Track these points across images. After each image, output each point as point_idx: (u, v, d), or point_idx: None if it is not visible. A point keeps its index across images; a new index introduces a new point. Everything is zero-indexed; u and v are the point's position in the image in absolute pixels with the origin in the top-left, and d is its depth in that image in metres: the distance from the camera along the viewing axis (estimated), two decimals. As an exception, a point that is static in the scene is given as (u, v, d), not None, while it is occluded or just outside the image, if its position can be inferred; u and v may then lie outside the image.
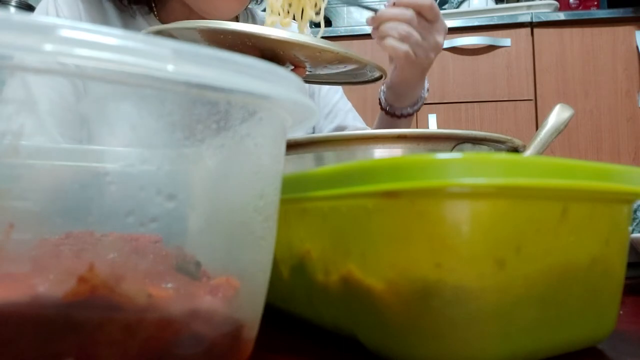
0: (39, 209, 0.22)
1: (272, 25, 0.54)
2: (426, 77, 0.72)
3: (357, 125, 0.85)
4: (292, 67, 0.55)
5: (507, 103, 1.72)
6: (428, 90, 0.74)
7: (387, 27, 0.61)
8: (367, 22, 0.64)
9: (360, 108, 0.89)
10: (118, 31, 0.15)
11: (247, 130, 0.21)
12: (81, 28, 0.15)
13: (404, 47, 0.61)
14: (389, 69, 0.69)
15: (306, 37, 0.48)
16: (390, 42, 0.61)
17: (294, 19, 0.57)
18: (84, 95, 0.66)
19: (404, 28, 0.60)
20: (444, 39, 0.65)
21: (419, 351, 0.22)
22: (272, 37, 0.46)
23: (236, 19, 0.79)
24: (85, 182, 0.23)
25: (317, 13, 0.57)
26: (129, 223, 0.20)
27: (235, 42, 0.50)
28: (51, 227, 0.21)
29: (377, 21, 0.62)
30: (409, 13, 0.60)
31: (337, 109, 0.84)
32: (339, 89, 0.86)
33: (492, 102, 1.73)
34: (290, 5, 0.55)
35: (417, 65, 0.64)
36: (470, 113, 1.74)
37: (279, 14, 0.54)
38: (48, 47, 0.14)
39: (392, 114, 0.73)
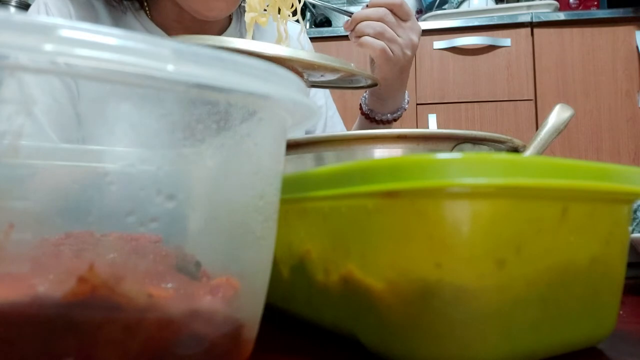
0: (39, 209, 0.22)
1: (251, 22, 0.58)
2: (407, 91, 0.75)
3: (336, 129, 0.87)
4: None
5: (507, 103, 1.72)
6: (408, 102, 0.77)
7: (362, 25, 0.64)
8: (344, 27, 0.67)
9: (341, 112, 0.91)
10: (118, 31, 0.15)
11: (247, 130, 0.21)
12: (81, 28, 0.15)
13: (380, 42, 0.64)
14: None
15: (305, 53, 0.50)
16: (366, 39, 0.64)
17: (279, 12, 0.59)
18: (77, 98, 0.66)
19: (379, 25, 0.64)
20: (419, 38, 0.68)
21: (419, 351, 0.22)
22: (271, 54, 0.48)
23: (229, 18, 0.80)
24: (85, 182, 0.23)
25: (294, 13, 0.60)
26: (129, 223, 0.20)
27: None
28: (51, 227, 0.21)
29: (353, 23, 0.65)
30: (382, 11, 0.64)
31: (320, 114, 0.86)
32: (324, 94, 0.88)
33: (492, 102, 1.73)
34: (267, 4, 0.58)
35: (394, 62, 0.66)
36: (470, 113, 1.74)
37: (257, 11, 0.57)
38: (48, 47, 0.14)
39: (372, 118, 0.75)
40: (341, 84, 0.65)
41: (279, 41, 0.60)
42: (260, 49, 0.48)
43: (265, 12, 0.58)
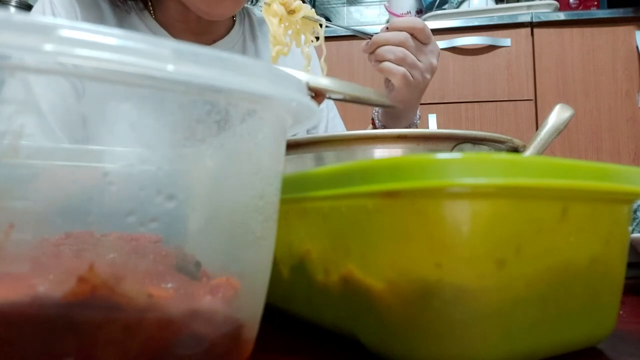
0: (39, 209, 0.22)
1: (277, 54, 0.59)
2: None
3: (337, 131, 0.87)
4: (313, 95, 0.57)
5: (507, 103, 1.72)
6: (420, 117, 0.76)
7: (383, 50, 0.63)
8: (363, 49, 0.66)
9: (341, 113, 0.92)
10: (118, 31, 0.15)
11: (247, 130, 0.21)
12: (81, 28, 0.15)
13: (401, 69, 0.63)
14: (385, 92, 0.72)
15: (328, 80, 0.50)
16: (387, 65, 0.63)
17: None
18: (83, 97, 0.66)
19: (400, 50, 0.62)
20: (438, 60, 0.67)
21: (419, 351, 0.22)
22: None
23: (232, 19, 0.80)
24: (85, 182, 0.23)
25: (317, 38, 0.61)
26: (129, 223, 0.20)
27: None
28: (51, 227, 0.21)
29: (373, 46, 0.64)
30: (403, 35, 0.62)
31: (321, 116, 0.86)
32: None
33: (492, 102, 1.73)
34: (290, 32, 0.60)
35: (414, 86, 0.65)
36: (470, 113, 1.74)
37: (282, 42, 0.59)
38: (48, 47, 0.14)
39: None
40: (357, 100, 0.65)
41: (306, 67, 0.61)
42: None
43: (287, 41, 0.59)
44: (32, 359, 0.16)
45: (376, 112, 0.75)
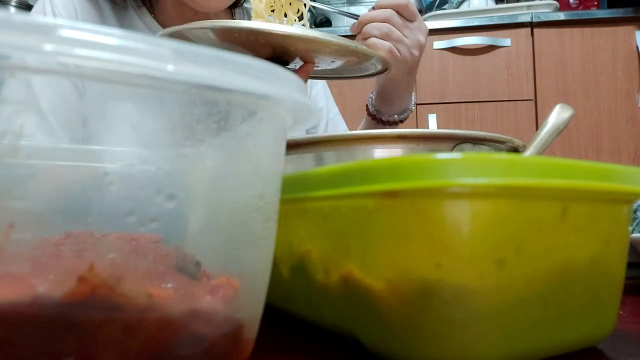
0: (39, 209, 0.22)
1: None
2: (413, 93, 0.75)
3: (338, 130, 0.87)
4: (302, 64, 0.57)
5: (507, 103, 1.72)
6: (415, 104, 0.77)
7: (369, 27, 0.64)
8: (350, 30, 0.67)
9: (340, 111, 0.92)
10: (118, 31, 0.15)
11: (247, 130, 0.21)
12: (81, 28, 0.15)
13: (387, 43, 0.64)
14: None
15: (316, 32, 0.50)
16: (372, 40, 0.64)
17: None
18: (84, 97, 0.66)
19: (385, 26, 0.64)
20: (426, 38, 0.68)
21: (419, 351, 0.22)
22: (283, 33, 0.48)
23: (232, 17, 0.80)
24: (85, 182, 0.23)
25: (301, 18, 0.61)
26: (129, 223, 0.20)
27: (249, 39, 0.52)
28: (51, 227, 0.21)
29: (359, 25, 0.65)
30: (388, 12, 0.64)
31: (321, 116, 0.86)
32: (325, 96, 0.88)
33: (492, 102, 1.73)
34: (273, 10, 0.58)
35: (402, 63, 0.66)
36: (470, 113, 1.74)
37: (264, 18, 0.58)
38: (48, 47, 0.14)
39: (379, 119, 0.75)
40: (349, 73, 0.65)
41: None
42: (276, 29, 0.48)
43: (271, 18, 0.59)
44: (32, 359, 0.16)
45: (370, 97, 0.75)
